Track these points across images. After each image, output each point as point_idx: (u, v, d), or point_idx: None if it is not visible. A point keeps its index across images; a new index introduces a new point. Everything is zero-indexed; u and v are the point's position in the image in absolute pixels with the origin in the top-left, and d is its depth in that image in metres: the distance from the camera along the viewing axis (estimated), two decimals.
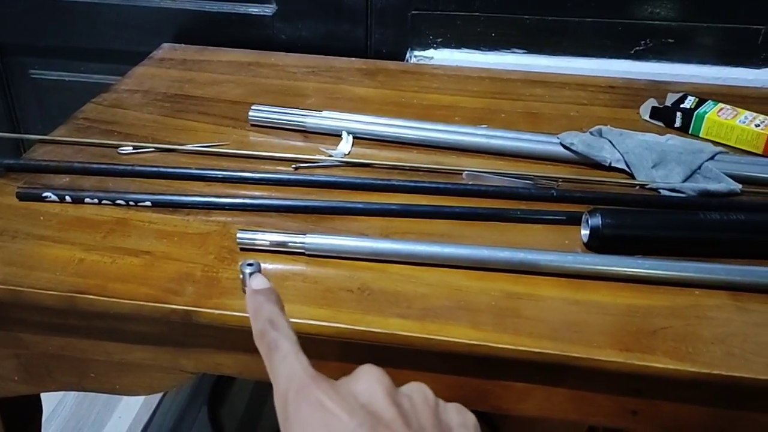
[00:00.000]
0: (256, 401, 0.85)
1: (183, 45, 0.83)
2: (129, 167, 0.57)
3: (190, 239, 0.50)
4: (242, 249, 0.49)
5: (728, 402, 0.43)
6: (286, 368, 0.29)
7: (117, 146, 0.61)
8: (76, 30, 0.87)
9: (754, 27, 0.77)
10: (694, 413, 0.44)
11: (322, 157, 0.60)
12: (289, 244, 0.48)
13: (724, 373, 0.41)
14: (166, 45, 0.83)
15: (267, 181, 0.57)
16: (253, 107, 0.65)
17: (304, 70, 0.77)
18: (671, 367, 0.41)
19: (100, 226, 0.51)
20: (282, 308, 0.32)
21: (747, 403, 0.43)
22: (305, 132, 0.65)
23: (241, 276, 0.45)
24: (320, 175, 0.58)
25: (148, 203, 0.53)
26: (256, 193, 0.56)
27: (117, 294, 0.45)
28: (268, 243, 0.49)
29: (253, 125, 0.66)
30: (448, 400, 0.47)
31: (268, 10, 0.82)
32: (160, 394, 0.85)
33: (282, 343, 0.30)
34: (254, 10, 0.82)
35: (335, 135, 0.64)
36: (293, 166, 0.59)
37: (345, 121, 0.65)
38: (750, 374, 0.41)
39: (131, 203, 0.53)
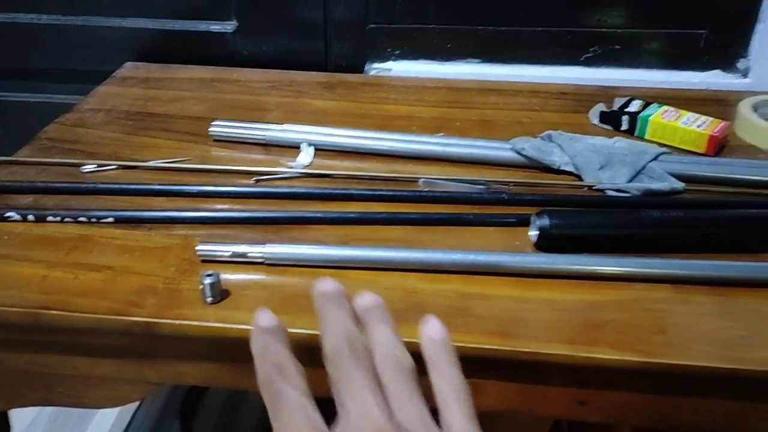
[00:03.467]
0: (229, 413, 0.86)
1: (146, 63, 0.84)
2: (91, 185, 0.58)
3: (152, 253, 0.51)
4: (203, 261, 0.50)
5: (671, 388, 0.45)
6: (294, 426, 0.26)
7: (79, 165, 0.62)
8: (39, 51, 0.88)
9: (697, 32, 0.80)
10: (640, 401, 0.46)
11: (283, 169, 0.62)
12: (249, 254, 0.50)
13: (664, 361, 0.43)
14: (128, 64, 0.84)
15: (228, 194, 0.58)
16: (213, 123, 0.67)
17: (265, 85, 0.79)
18: (614, 357, 0.43)
19: (63, 244, 0.52)
20: (290, 350, 0.29)
21: (688, 389, 0.45)
22: (266, 145, 0.66)
23: (201, 287, 0.46)
24: (281, 187, 0.60)
25: (110, 219, 0.54)
26: (218, 206, 0.57)
27: (79, 308, 0.46)
28: (228, 254, 0.50)
29: (215, 140, 0.67)
30: None
31: (229, 27, 0.84)
32: (133, 408, 0.86)
33: (289, 394, 0.27)
34: (215, 27, 0.84)
35: (296, 147, 0.66)
36: (254, 178, 0.60)
37: (305, 133, 0.66)
38: (689, 361, 0.43)
39: (93, 220, 0.54)
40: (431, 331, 0.30)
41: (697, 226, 0.51)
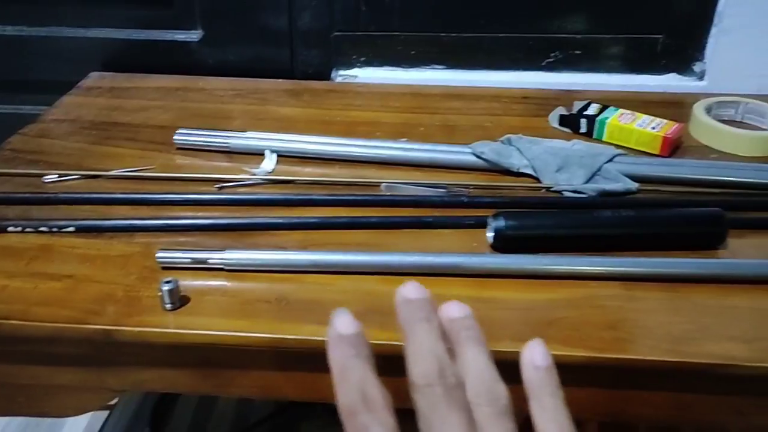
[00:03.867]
0: (200, 420, 0.86)
1: (111, 73, 0.85)
2: (53, 195, 0.59)
3: (113, 261, 0.52)
4: (164, 268, 0.51)
5: (621, 383, 0.46)
6: None
7: (42, 175, 0.62)
8: (4, 63, 0.88)
9: (654, 37, 0.82)
10: (591, 395, 0.47)
11: (246, 176, 0.62)
12: (209, 260, 0.50)
13: (613, 356, 0.44)
14: (94, 74, 0.85)
15: (190, 202, 0.59)
16: (178, 131, 0.67)
17: (231, 93, 0.80)
18: (564, 353, 0.44)
19: (23, 254, 0.53)
20: (374, 367, 0.27)
21: (637, 383, 0.46)
22: (230, 153, 0.67)
23: (160, 294, 0.47)
24: (243, 194, 0.61)
25: (71, 229, 0.54)
26: (180, 214, 0.58)
27: (38, 318, 0.46)
28: (188, 261, 0.50)
29: (179, 149, 0.68)
30: None
31: (195, 36, 0.84)
32: (104, 416, 0.86)
33: None
34: (180, 36, 0.84)
35: (259, 154, 0.66)
36: (217, 186, 0.61)
37: (268, 140, 0.67)
38: (638, 356, 0.44)
39: (55, 230, 0.54)
40: (534, 357, 0.29)
41: (647, 225, 0.53)
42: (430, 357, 0.26)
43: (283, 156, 0.67)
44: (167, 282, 0.46)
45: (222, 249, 0.51)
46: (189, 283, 0.49)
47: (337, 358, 0.27)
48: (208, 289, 0.49)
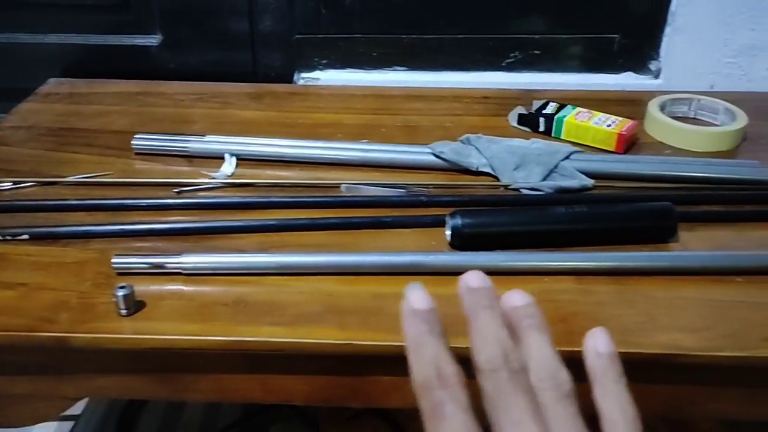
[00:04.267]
0: (167, 426, 0.86)
1: (70, 79, 0.84)
2: (7, 203, 0.58)
3: (68, 268, 0.51)
4: (119, 274, 0.50)
5: (574, 376, 0.47)
6: None
7: None
8: None
9: (610, 36, 0.84)
10: None
11: (205, 180, 0.62)
12: (166, 265, 0.50)
13: (565, 349, 0.45)
14: (52, 80, 0.84)
15: (148, 207, 0.59)
16: (136, 136, 0.67)
17: (191, 98, 0.79)
18: None
19: None
20: (447, 344, 0.27)
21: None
22: (189, 157, 0.67)
23: (114, 299, 0.47)
24: (203, 198, 0.60)
25: (25, 236, 0.54)
26: (138, 219, 0.57)
27: None
28: (144, 266, 0.50)
29: (137, 154, 0.67)
30: (321, 399, 0.50)
31: (154, 40, 0.84)
32: (70, 424, 0.85)
33: (451, 412, 0.25)
34: (140, 41, 0.84)
35: (219, 158, 0.66)
36: (175, 190, 0.61)
37: (228, 143, 0.67)
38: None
39: (8, 237, 0.54)
40: (598, 344, 0.29)
41: (599, 220, 0.54)
42: (495, 343, 0.27)
43: (243, 159, 0.67)
44: (122, 287, 0.46)
45: (179, 253, 0.50)
46: (146, 288, 0.49)
47: (411, 333, 0.28)
48: (165, 293, 0.49)
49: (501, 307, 0.29)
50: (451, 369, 0.26)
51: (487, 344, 0.27)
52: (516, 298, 0.30)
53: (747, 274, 0.51)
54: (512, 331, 0.28)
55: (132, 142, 0.67)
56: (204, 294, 0.49)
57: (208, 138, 0.67)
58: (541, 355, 0.28)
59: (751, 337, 0.45)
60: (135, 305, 0.47)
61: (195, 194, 0.61)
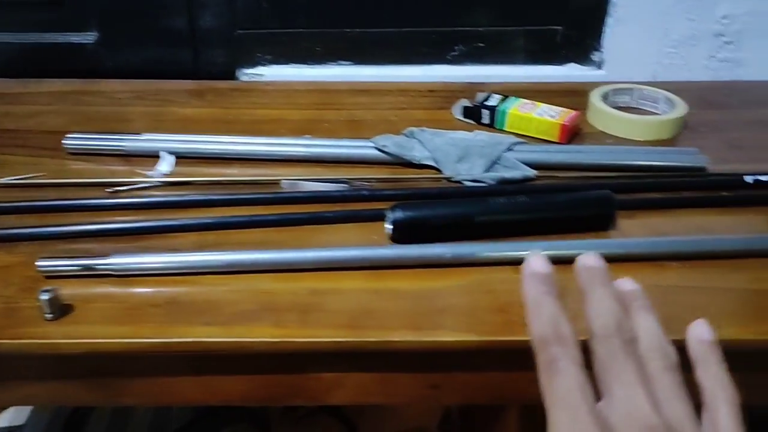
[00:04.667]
0: None
1: (3, 79, 0.81)
2: None
3: None
4: (48, 277, 0.49)
5: (513, 365, 0.47)
6: (568, 406, 0.27)
7: None
8: None
9: (553, 28, 0.84)
10: (487, 379, 0.48)
11: (140, 180, 0.61)
12: (96, 266, 0.49)
13: (503, 338, 0.45)
14: None
15: (81, 208, 0.57)
16: (67, 135, 0.65)
17: (130, 96, 0.77)
18: (457, 339, 0.45)
19: None
20: (563, 306, 0.30)
21: (528, 364, 0.47)
22: (126, 156, 0.65)
23: (39, 303, 0.45)
24: (138, 197, 0.59)
25: None
26: (70, 221, 0.55)
27: None
28: (73, 268, 0.48)
29: (72, 154, 0.65)
30: (261, 399, 0.49)
31: (90, 37, 0.81)
32: None
33: (567, 368, 0.27)
34: (75, 38, 0.81)
35: (156, 157, 0.64)
36: (108, 190, 0.59)
37: (166, 141, 0.65)
38: (525, 337, 0.45)
39: None
40: (699, 332, 0.32)
41: (539, 210, 0.54)
42: (610, 313, 0.30)
43: (182, 157, 0.65)
44: (45, 291, 0.44)
45: (110, 254, 0.49)
46: (75, 291, 0.48)
47: (531, 292, 0.31)
48: (95, 296, 0.48)
49: (614, 286, 0.32)
50: (567, 329, 0.29)
51: (602, 313, 0.30)
52: (627, 284, 0.33)
53: (682, 259, 0.51)
54: (623, 309, 0.31)
55: (63, 141, 0.65)
56: (135, 295, 0.48)
57: (144, 136, 0.65)
58: (650, 329, 0.30)
59: (687, 320, 0.45)
60: (60, 309, 0.45)
61: (130, 194, 0.59)
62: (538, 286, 0.31)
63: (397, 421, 0.77)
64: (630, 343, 0.29)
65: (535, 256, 0.32)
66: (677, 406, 0.27)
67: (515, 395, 0.48)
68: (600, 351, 0.29)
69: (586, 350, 0.30)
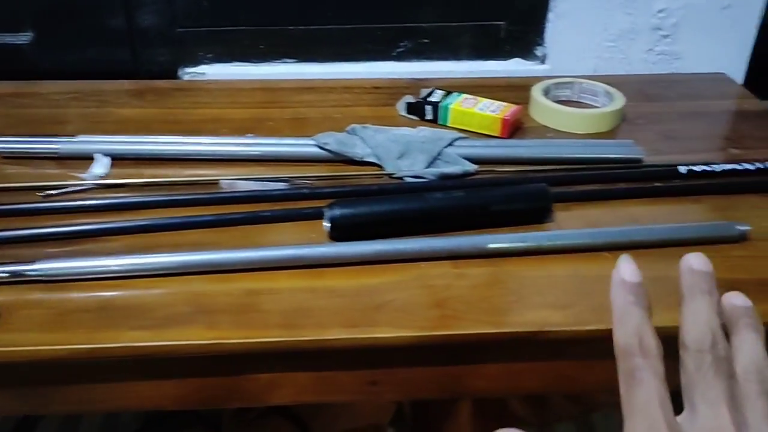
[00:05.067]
0: None
1: None
2: None
3: None
4: None
5: (450, 359, 0.47)
6: (646, 417, 0.26)
7: None
8: None
9: (496, 23, 0.85)
10: (426, 374, 0.48)
11: (74, 182, 0.59)
12: (25, 272, 0.47)
13: (437, 333, 0.45)
14: None
15: (12, 212, 0.55)
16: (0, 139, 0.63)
17: (67, 97, 0.75)
18: (392, 335, 0.45)
19: None
20: (650, 317, 0.29)
21: (467, 357, 0.48)
22: (59, 159, 0.63)
23: None
24: (72, 201, 0.57)
25: None
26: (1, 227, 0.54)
27: None
28: (1, 274, 0.47)
29: (5, 158, 0.63)
30: (196, 402, 0.49)
31: (24, 38, 0.79)
32: None
33: (648, 379, 0.27)
34: (9, 39, 0.79)
35: (92, 159, 0.63)
36: (40, 193, 0.58)
37: (102, 143, 0.64)
38: (461, 330, 0.45)
39: None
40: (735, 300, 0.31)
41: (476, 204, 0.54)
42: (706, 327, 0.29)
43: (119, 159, 0.64)
44: None
45: (40, 259, 0.48)
46: (5, 298, 0.46)
47: (618, 301, 0.30)
48: (23, 303, 0.46)
49: (718, 295, 0.31)
50: (653, 341, 0.28)
51: (698, 326, 0.29)
52: (738, 298, 0.31)
53: (614, 249, 0.52)
54: (727, 325, 0.30)
55: None
56: (65, 301, 0.47)
57: (79, 138, 0.64)
58: (752, 350, 0.29)
59: None
60: None
61: (63, 197, 0.58)
62: (627, 295, 0.30)
63: (349, 419, 0.77)
64: (723, 361, 0.28)
65: (627, 263, 0.31)
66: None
67: (458, 389, 0.49)
68: (689, 364, 0.28)
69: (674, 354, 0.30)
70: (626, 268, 0.31)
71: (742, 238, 0.54)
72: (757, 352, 0.29)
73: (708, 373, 0.28)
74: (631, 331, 0.29)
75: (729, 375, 0.28)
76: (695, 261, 0.31)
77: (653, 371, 0.27)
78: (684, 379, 0.28)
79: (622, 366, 0.28)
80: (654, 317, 0.31)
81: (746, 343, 0.29)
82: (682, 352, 0.29)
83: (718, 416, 0.26)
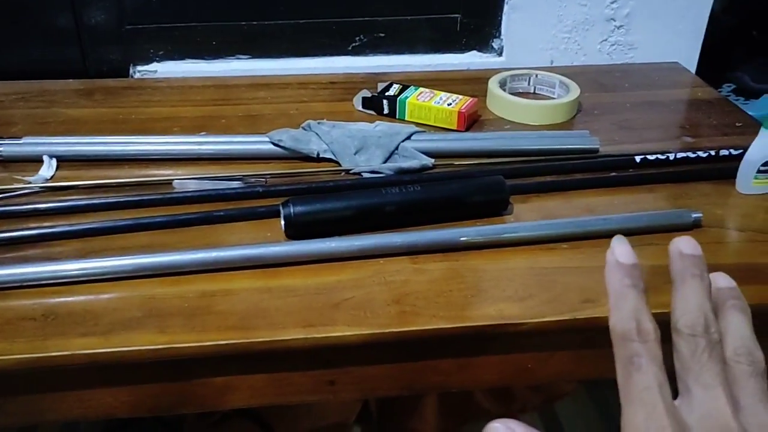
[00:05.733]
0: None
1: None
2: None
3: None
4: None
5: (409, 355, 0.47)
6: (645, 403, 0.26)
7: None
8: None
9: (452, 16, 0.85)
10: (384, 371, 0.47)
11: (19, 186, 0.57)
12: None
13: (395, 329, 0.45)
14: None
15: None
16: None
17: (12, 98, 0.73)
18: (349, 333, 0.44)
19: None
20: (647, 299, 0.28)
21: (425, 353, 0.47)
22: (4, 161, 0.61)
23: None
24: (17, 205, 0.55)
25: None
26: None
27: None
28: None
29: None
30: (149, 409, 0.47)
31: None
32: None
33: (646, 365, 0.26)
34: None
35: (38, 161, 0.61)
36: None
37: (49, 145, 0.62)
38: (419, 327, 0.45)
39: None
40: (719, 281, 0.30)
41: (433, 198, 0.54)
42: (699, 311, 0.28)
43: (67, 161, 0.62)
44: None
45: None
46: None
47: (614, 284, 0.29)
48: None
49: (709, 279, 0.30)
50: (650, 325, 0.28)
51: (691, 310, 0.28)
52: (722, 280, 0.31)
53: (571, 240, 0.52)
54: (713, 307, 0.30)
55: None
56: (8, 309, 0.45)
57: (24, 140, 0.62)
58: (740, 332, 0.29)
59: (570, 300, 0.47)
60: None
61: (8, 202, 0.56)
62: (623, 278, 0.29)
63: (314, 419, 0.76)
64: (716, 344, 0.28)
65: (621, 244, 0.30)
66: (760, 413, 0.27)
67: (416, 385, 0.48)
68: (683, 349, 0.28)
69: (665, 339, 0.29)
70: (621, 249, 0.30)
71: (695, 225, 0.54)
72: (746, 333, 0.29)
73: (702, 356, 0.28)
74: (628, 315, 0.28)
75: (721, 358, 0.28)
76: (685, 245, 0.31)
77: (651, 356, 0.27)
78: (678, 364, 0.28)
79: (619, 352, 0.28)
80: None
81: (734, 324, 0.29)
82: (675, 337, 0.29)
83: (715, 399, 0.27)
